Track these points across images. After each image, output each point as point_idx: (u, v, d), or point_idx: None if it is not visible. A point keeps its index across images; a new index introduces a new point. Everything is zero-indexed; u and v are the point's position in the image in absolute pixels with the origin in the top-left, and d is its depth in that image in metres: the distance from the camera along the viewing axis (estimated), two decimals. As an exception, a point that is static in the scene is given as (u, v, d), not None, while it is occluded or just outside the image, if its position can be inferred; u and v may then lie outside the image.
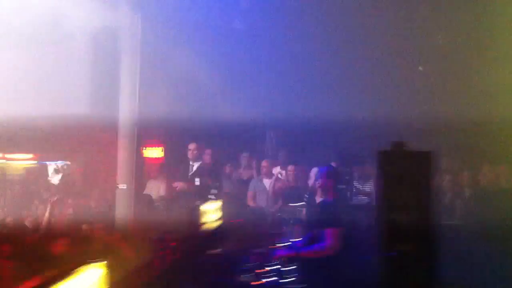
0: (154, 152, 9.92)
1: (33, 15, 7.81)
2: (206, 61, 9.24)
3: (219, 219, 7.20)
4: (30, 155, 10.58)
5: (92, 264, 3.86)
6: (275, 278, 4.48)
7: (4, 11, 7.68)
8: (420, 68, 9.06)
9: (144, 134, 8.29)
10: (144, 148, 9.65)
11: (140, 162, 8.01)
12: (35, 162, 10.59)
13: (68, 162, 9.69)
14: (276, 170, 8.37)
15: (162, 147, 10.00)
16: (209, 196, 7.38)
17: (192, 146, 8.25)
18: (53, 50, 8.84)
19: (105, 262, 3.88)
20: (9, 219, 7.47)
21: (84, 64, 8.86)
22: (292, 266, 4.82)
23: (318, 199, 4.92)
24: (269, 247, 5.21)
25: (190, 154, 8.24)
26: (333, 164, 7.92)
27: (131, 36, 7.72)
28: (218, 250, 5.75)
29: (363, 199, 7.42)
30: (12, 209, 8.57)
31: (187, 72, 9.38)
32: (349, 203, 7.02)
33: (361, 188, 7.65)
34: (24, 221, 7.50)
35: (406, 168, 3.31)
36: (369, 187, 7.58)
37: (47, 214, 7.12)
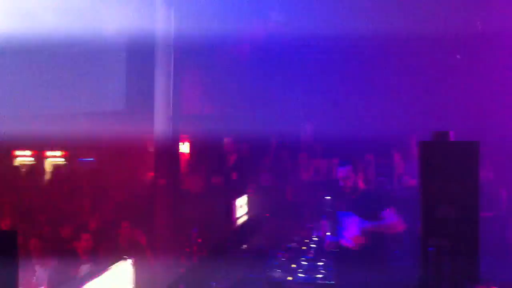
0: (185, 147, 9.89)
1: (73, 16, 7.92)
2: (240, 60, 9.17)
3: (255, 212, 7.14)
4: (61, 153, 10.82)
5: (125, 260, 3.85)
6: (307, 273, 4.33)
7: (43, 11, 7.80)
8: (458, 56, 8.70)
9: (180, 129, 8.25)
10: (181, 143, 9.65)
11: (176, 157, 7.97)
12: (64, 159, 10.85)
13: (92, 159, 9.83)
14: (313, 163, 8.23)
15: (189, 142, 9.96)
16: (247, 190, 7.30)
17: (228, 140, 8.19)
18: (90, 49, 8.98)
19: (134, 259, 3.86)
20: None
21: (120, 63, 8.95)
22: (323, 262, 4.68)
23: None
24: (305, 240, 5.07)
25: (226, 149, 8.18)
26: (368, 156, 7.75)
27: (165, 34, 7.72)
28: (252, 245, 5.67)
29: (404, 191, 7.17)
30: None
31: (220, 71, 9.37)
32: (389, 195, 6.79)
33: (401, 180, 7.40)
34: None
35: (449, 160, 3.08)
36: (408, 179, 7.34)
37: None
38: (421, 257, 3.03)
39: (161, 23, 7.69)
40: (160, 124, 7.75)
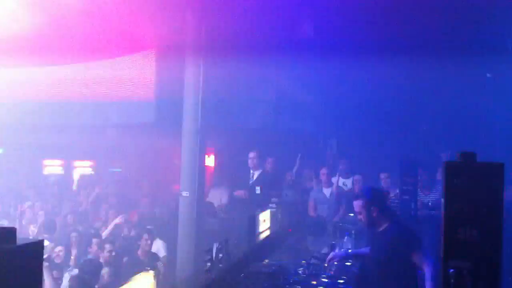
0: (210, 161, 9.98)
1: (104, 29, 8.12)
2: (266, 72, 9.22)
3: (278, 227, 7.14)
4: (90, 162, 11.04)
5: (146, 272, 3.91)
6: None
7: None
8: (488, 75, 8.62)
9: (206, 142, 8.33)
10: (207, 155, 9.73)
11: (202, 170, 8.04)
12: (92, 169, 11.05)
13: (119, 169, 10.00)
14: (336, 179, 8.19)
15: (214, 155, 10.05)
16: (270, 205, 7.29)
17: (252, 154, 8.19)
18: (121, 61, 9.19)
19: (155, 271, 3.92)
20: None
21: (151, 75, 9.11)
22: (344, 279, 4.67)
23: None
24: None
25: (250, 163, 8.18)
26: (382, 176, 7.71)
27: (194, 47, 7.83)
28: (274, 260, 5.66)
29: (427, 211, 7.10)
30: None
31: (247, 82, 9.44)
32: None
33: (424, 200, 7.34)
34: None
35: (474, 181, 3.05)
36: (433, 198, 7.27)
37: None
38: (442, 278, 3.00)
39: (191, 34, 7.84)
40: (187, 137, 7.85)
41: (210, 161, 10.02)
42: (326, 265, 4.88)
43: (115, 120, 9.25)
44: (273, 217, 7.08)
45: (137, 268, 4.17)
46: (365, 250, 4.85)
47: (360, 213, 4.59)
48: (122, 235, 7.37)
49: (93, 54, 8.74)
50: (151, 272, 3.90)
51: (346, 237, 6.06)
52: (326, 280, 4.72)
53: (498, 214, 2.99)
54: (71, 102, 9.28)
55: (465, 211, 3.03)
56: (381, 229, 4.55)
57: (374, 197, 4.61)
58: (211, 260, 4.72)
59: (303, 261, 5.34)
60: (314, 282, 4.64)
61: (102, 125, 9.52)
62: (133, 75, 9.05)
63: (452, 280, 2.88)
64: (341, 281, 4.69)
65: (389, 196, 6.68)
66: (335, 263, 4.96)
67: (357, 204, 4.63)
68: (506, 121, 8.30)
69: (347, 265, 5.39)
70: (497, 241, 2.98)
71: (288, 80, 10.09)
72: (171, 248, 6.37)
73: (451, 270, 2.95)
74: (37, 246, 2.34)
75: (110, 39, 8.21)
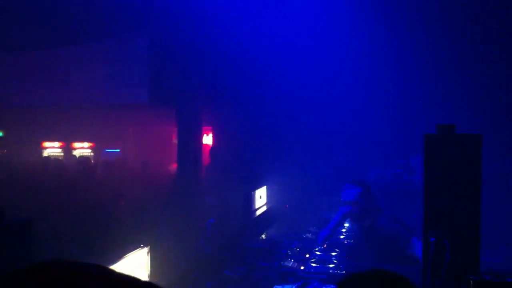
0: (209, 139, 10.04)
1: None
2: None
3: (274, 204, 7.24)
4: (89, 144, 11.11)
5: (141, 248, 3.99)
6: (320, 263, 4.42)
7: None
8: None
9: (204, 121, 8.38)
10: (205, 134, 9.81)
11: (198, 148, 8.10)
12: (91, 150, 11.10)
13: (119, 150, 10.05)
14: None
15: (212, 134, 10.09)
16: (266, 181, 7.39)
17: (250, 131, 8.27)
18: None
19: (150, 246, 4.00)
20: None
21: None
22: (336, 252, 4.78)
23: None
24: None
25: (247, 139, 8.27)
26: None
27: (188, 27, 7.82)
28: (270, 235, 5.78)
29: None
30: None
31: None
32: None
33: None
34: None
35: (453, 153, 3.11)
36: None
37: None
38: (423, 247, 3.08)
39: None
40: (183, 116, 7.91)
41: (208, 139, 10.10)
42: (325, 246, 4.97)
43: (109, 100, 9.28)
44: (269, 193, 7.19)
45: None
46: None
47: (352, 202, 4.74)
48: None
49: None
50: (145, 249, 3.98)
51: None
52: (319, 253, 4.82)
53: (477, 184, 3.07)
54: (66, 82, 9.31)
55: (444, 182, 3.10)
56: (371, 220, 4.75)
57: (366, 190, 4.79)
58: (204, 236, 4.83)
59: (298, 236, 5.49)
60: (307, 255, 4.74)
61: (97, 106, 9.56)
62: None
63: (431, 249, 2.97)
64: (334, 253, 4.79)
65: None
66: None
67: (348, 193, 4.78)
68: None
69: (341, 238, 5.51)
70: (476, 211, 3.06)
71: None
72: (166, 225, 6.46)
73: (432, 239, 3.04)
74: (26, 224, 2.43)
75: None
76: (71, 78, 9.31)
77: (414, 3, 7.92)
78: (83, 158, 10.10)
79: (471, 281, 2.61)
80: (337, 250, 4.85)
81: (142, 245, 4.08)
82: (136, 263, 3.86)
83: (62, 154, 11.49)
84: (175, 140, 8.26)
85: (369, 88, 9.11)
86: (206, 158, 8.73)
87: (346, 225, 5.93)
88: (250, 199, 6.30)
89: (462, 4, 7.68)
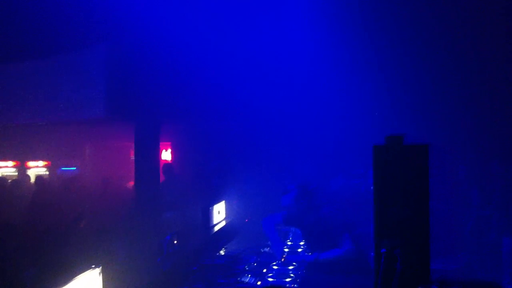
0: (167, 155, 9.94)
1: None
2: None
3: (233, 219, 7.18)
4: (44, 163, 10.82)
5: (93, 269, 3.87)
6: (277, 278, 4.39)
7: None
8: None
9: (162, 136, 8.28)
10: (164, 150, 9.69)
11: (156, 164, 8.00)
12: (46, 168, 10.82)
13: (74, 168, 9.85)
14: None
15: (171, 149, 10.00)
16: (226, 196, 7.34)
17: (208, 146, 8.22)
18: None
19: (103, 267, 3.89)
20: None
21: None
22: (294, 266, 4.77)
23: None
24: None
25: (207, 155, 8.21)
26: None
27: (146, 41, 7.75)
28: (229, 250, 5.71)
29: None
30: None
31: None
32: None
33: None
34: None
35: (402, 163, 3.15)
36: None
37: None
38: (374, 258, 3.09)
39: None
40: (141, 131, 7.79)
41: (167, 155, 9.99)
42: (283, 259, 4.96)
43: (65, 116, 9.08)
44: (229, 208, 7.13)
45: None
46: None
47: (288, 206, 4.91)
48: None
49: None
50: (97, 269, 3.87)
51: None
52: (277, 267, 4.79)
53: (425, 193, 3.10)
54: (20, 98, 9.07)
55: (393, 192, 3.13)
56: (312, 218, 4.88)
57: (303, 191, 4.95)
58: (161, 253, 4.73)
59: (257, 250, 5.45)
60: (265, 270, 4.71)
61: (52, 123, 9.34)
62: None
63: (382, 260, 2.98)
64: (291, 267, 4.77)
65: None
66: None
67: (286, 198, 4.98)
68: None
69: (298, 251, 5.50)
70: (425, 220, 3.09)
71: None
72: (124, 244, 6.34)
73: (383, 250, 3.05)
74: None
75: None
76: (25, 94, 9.07)
77: (363, 14, 8.06)
78: (38, 178, 9.85)
79: (420, 291, 2.63)
80: (294, 264, 4.83)
81: (93, 265, 3.97)
82: (87, 284, 3.75)
83: (16, 173, 11.18)
84: (133, 156, 8.12)
85: (328, 99, 9.21)
86: (164, 173, 8.62)
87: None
88: (209, 215, 6.23)
89: (411, 17, 7.88)
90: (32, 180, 10.89)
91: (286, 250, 5.43)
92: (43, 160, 10.92)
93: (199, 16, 8.04)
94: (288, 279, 4.32)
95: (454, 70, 8.24)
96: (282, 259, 4.92)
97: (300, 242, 5.78)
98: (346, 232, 4.72)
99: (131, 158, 8.07)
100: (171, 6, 7.60)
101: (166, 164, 9.02)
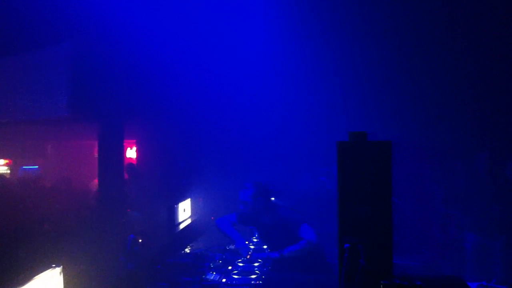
0: (132, 153, 9.81)
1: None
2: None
3: (199, 216, 7.14)
4: (5, 161, 10.53)
5: (53, 269, 3.78)
6: (242, 275, 4.38)
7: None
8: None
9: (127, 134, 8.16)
10: (129, 148, 9.55)
11: (119, 162, 7.88)
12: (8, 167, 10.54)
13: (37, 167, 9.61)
14: None
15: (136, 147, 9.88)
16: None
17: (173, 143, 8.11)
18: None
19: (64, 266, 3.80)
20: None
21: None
22: (259, 262, 4.77)
23: None
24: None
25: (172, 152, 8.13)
26: None
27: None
28: (194, 248, 5.67)
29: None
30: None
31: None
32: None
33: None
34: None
35: (365, 159, 3.17)
36: None
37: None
38: (338, 254, 3.11)
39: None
40: (105, 129, 7.67)
41: (132, 153, 9.86)
42: (248, 256, 4.96)
43: (27, 115, 8.84)
44: (194, 205, 7.08)
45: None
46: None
47: (245, 202, 4.98)
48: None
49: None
50: (57, 269, 3.78)
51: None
52: (242, 264, 4.77)
53: (387, 189, 3.14)
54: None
55: (357, 188, 3.15)
56: (268, 217, 4.98)
57: (261, 189, 5.02)
58: (124, 252, 4.66)
59: (222, 248, 5.42)
60: (230, 267, 4.69)
61: (13, 121, 9.09)
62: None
63: (346, 255, 3.00)
64: (257, 264, 4.76)
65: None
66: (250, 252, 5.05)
67: (244, 193, 5.03)
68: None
69: (264, 248, 5.49)
70: (387, 216, 3.13)
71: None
72: (86, 244, 6.21)
73: (346, 245, 3.07)
74: None
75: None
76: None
77: (329, 10, 8.12)
78: (-2, 176, 9.58)
79: (381, 285, 2.65)
80: (259, 260, 4.83)
81: (54, 265, 3.88)
82: (47, 284, 3.66)
83: (-24, 172, 10.85)
84: (97, 154, 7.97)
85: (293, 96, 9.24)
86: (128, 172, 8.51)
87: None
88: (174, 213, 6.18)
89: (379, 12, 7.96)
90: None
91: (252, 247, 5.42)
92: (4, 158, 10.62)
93: (166, 11, 7.96)
94: (253, 276, 4.30)
95: (418, 66, 8.37)
96: (248, 256, 4.91)
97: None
98: (304, 223, 4.82)
99: (95, 157, 7.90)
100: (137, 2, 7.50)
101: (129, 162, 8.91)
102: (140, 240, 5.13)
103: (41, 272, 3.63)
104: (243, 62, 8.82)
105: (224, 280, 4.26)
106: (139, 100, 8.55)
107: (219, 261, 4.88)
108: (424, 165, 7.83)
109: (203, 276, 4.33)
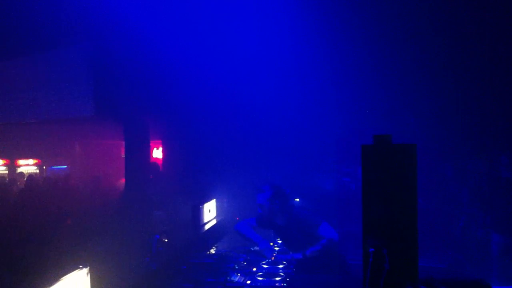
0: (159, 153, 9.88)
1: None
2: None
3: (224, 217, 7.17)
4: (34, 161, 10.73)
5: (80, 269, 3.84)
6: (266, 277, 4.38)
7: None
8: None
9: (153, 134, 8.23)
10: (155, 148, 9.63)
11: (146, 162, 7.96)
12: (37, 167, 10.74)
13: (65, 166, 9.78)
14: None
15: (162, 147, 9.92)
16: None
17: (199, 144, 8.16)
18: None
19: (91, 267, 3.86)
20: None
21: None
22: (284, 264, 4.77)
23: None
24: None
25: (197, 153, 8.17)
26: None
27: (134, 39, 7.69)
28: (219, 249, 5.70)
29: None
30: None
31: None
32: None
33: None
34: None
35: (389, 163, 3.15)
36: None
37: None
38: (363, 258, 3.09)
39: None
40: (131, 129, 7.76)
41: (158, 153, 9.95)
42: (273, 258, 4.97)
43: (53, 115, 9.00)
44: (219, 206, 7.12)
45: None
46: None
47: (262, 205, 5.02)
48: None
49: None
50: (85, 270, 3.84)
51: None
52: (266, 266, 4.78)
53: (413, 192, 3.10)
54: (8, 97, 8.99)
55: (381, 191, 3.12)
56: (286, 218, 5.00)
57: (278, 191, 5.01)
58: (150, 252, 4.72)
59: (247, 249, 5.43)
60: (254, 269, 4.70)
61: (41, 121, 9.26)
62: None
63: (371, 259, 2.98)
64: (281, 266, 4.77)
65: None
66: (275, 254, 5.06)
67: (261, 196, 5.05)
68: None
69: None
70: (413, 219, 3.09)
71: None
72: (113, 243, 6.29)
73: (371, 250, 3.05)
74: None
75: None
76: (12, 92, 9.00)
77: (349, 11, 8.05)
78: (28, 176, 9.77)
79: (406, 290, 2.63)
80: (284, 262, 4.83)
81: (81, 266, 3.94)
82: (75, 285, 3.72)
83: (6, 172, 11.09)
84: (123, 154, 8.08)
85: (317, 97, 9.20)
86: (155, 171, 8.59)
87: None
88: (199, 213, 6.22)
89: (398, 14, 7.87)
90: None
91: (277, 248, 5.43)
92: (33, 158, 10.83)
93: (188, 14, 8.00)
94: (277, 278, 4.31)
95: (440, 69, 8.26)
96: (272, 258, 4.92)
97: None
98: (323, 222, 4.83)
99: (122, 156, 8.01)
100: (160, 3, 7.56)
101: (153, 162, 8.99)
102: (165, 240, 5.20)
103: (69, 272, 3.69)
104: (267, 62, 8.81)
105: (248, 281, 4.27)
106: (164, 100, 8.63)
107: (243, 263, 4.89)
108: (447, 166, 7.74)
109: (227, 277, 4.35)
